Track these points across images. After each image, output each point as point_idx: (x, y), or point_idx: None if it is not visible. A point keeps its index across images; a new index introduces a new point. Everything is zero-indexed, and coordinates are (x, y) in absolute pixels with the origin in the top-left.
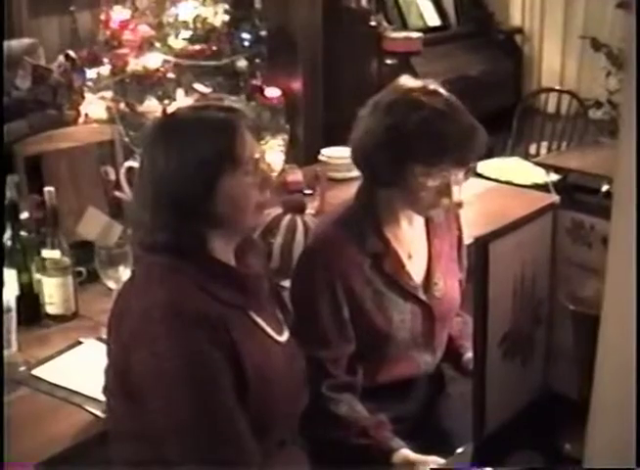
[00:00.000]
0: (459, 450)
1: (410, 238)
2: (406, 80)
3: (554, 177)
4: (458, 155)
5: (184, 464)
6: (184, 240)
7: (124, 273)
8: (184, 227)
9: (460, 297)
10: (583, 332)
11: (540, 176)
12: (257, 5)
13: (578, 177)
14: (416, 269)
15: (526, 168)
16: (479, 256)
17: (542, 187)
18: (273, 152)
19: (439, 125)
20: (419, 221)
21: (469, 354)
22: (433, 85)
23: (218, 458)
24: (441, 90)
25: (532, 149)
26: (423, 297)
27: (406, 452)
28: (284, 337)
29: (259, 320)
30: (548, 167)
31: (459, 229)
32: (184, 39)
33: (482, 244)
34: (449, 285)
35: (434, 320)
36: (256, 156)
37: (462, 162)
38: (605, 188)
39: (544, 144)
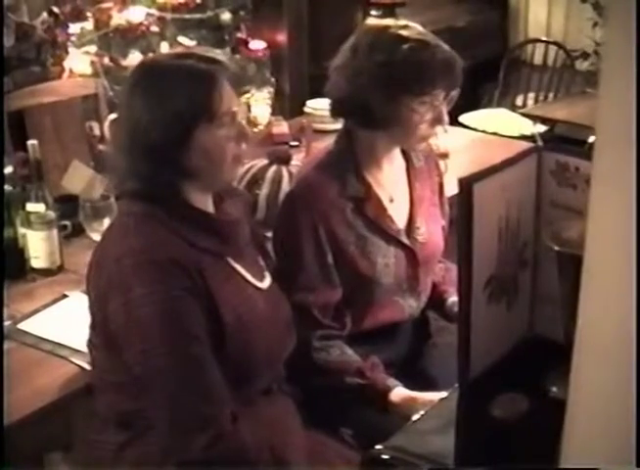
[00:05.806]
0: (443, 395)
1: (391, 182)
2: (374, 22)
3: (541, 128)
4: (447, 79)
5: (159, 414)
6: (157, 188)
7: None
8: (157, 176)
9: (443, 243)
10: (568, 273)
11: (527, 127)
12: None
13: (565, 128)
14: (398, 213)
15: (513, 120)
16: (463, 197)
17: (529, 138)
18: (259, 105)
19: (426, 53)
20: (400, 166)
21: (452, 298)
22: (402, 21)
23: (187, 408)
24: (411, 24)
25: (519, 100)
26: (406, 241)
27: (405, 390)
28: (265, 283)
29: (238, 267)
30: (535, 119)
31: (439, 175)
32: None
33: (467, 185)
34: (432, 230)
35: (417, 265)
36: (235, 109)
37: (450, 86)
38: (592, 139)
39: (531, 95)
